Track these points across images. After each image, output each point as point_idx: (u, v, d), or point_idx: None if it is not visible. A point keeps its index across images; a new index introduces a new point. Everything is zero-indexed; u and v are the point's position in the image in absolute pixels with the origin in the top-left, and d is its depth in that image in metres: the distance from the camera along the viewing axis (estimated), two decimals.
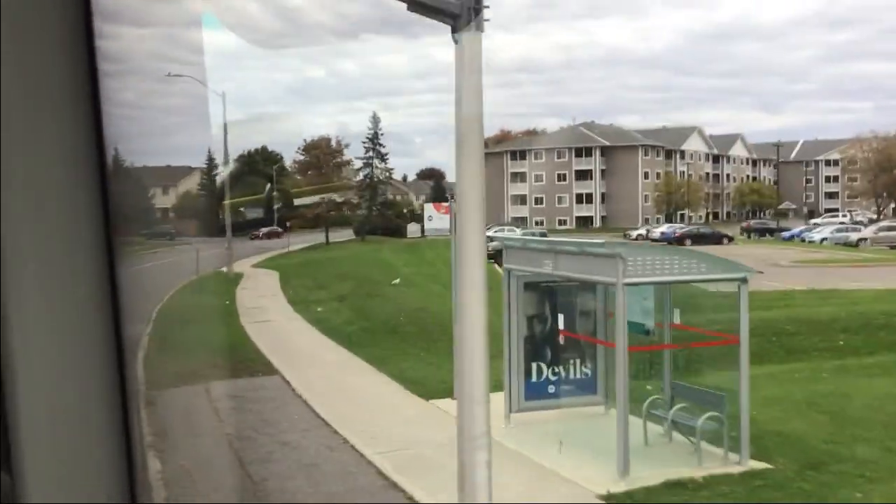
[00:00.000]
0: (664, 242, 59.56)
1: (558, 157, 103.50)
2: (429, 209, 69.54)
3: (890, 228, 53.95)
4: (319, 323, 22.69)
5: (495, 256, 22.64)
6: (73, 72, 1.29)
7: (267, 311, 25.86)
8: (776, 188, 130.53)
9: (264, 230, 69.18)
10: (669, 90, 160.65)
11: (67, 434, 1.34)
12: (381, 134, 65.75)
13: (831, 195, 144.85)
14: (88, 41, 1.30)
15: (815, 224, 72.66)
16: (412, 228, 77.04)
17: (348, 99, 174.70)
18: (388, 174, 67.70)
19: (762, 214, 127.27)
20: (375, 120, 65.82)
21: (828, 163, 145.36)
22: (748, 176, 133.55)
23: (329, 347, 20.00)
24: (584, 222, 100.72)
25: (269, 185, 68.74)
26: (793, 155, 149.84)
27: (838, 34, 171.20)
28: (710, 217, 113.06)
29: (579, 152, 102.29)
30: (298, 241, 62.00)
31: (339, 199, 67.71)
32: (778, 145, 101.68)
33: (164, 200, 60.03)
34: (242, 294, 30.63)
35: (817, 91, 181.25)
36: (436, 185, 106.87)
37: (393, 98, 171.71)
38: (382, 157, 65.63)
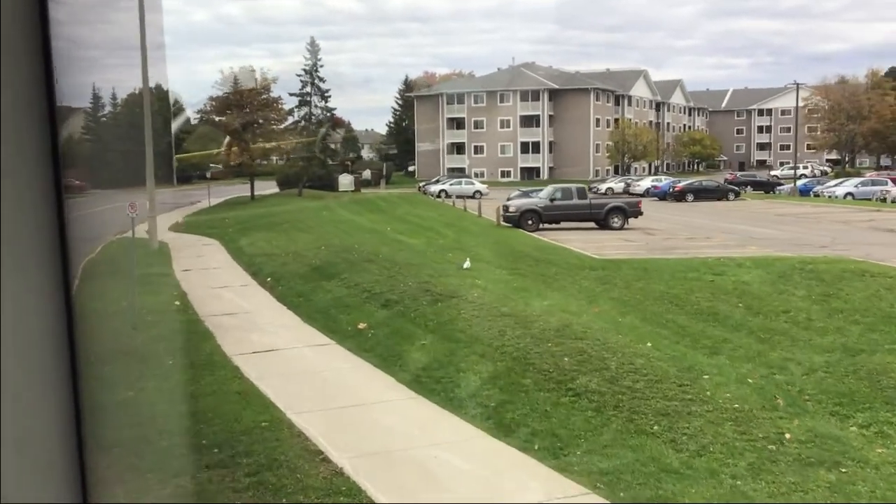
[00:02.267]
0: (655, 199, 51.39)
1: (501, 102, 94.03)
2: None
3: None
4: (392, 366, 12.41)
5: None
6: None
7: (260, 325, 15.81)
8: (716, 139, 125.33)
9: None
10: (558, 43, 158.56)
11: (16, 431, 1.26)
12: (321, 66, 54.32)
13: (762, 146, 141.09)
14: None
15: (814, 177, 66.12)
16: (345, 181, 66.85)
17: (233, 45, 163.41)
18: (330, 115, 56.53)
19: (698, 166, 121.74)
20: (314, 48, 54.18)
21: (760, 112, 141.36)
22: (685, 125, 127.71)
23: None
24: (530, 173, 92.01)
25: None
26: (723, 104, 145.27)
27: None
28: (653, 169, 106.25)
29: (525, 96, 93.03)
30: (201, 195, 51.39)
31: (268, 145, 56.64)
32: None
33: None
34: (191, 281, 20.33)
35: (699, 46, 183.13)
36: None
37: (283, 45, 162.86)
38: (323, 95, 54.48)
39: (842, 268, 17.50)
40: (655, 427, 9.05)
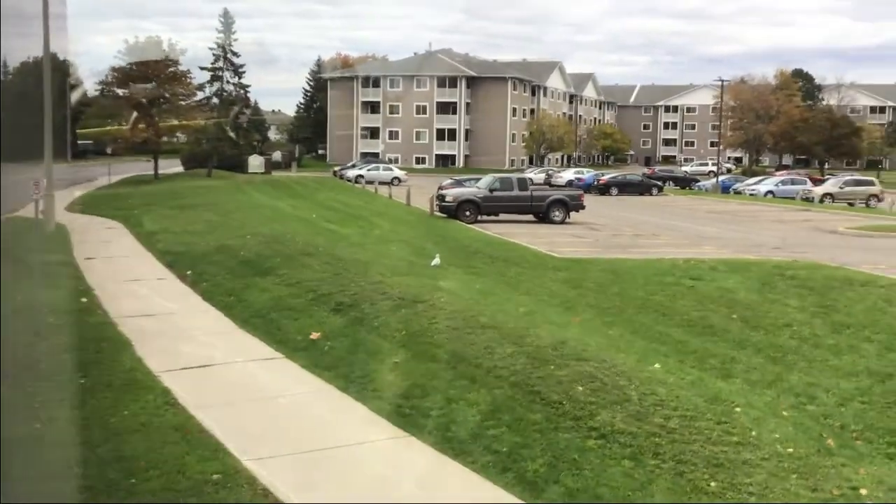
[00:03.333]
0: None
1: (418, 87, 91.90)
2: None
3: (857, 183, 47.63)
4: (362, 390, 10.09)
5: None
6: None
7: (187, 331, 13.39)
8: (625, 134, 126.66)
9: None
10: (466, 33, 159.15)
11: None
12: (236, 39, 50.79)
13: (668, 142, 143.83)
14: None
15: (731, 174, 66.59)
16: (255, 162, 63.75)
17: (133, 18, 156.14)
18: (244, 92, 53.07)
19: (607, 160, 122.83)
20: (227, 20, 50.56)
21: (667, 109, 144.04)
22: (595, 119, 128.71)
23: None
24: (445, 161, 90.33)
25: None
26: (631, 99, 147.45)
27: None
28: (566, 161, 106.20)
29: (442, 82, 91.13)
30: (99, 172, 47.70)
31: (175, 122, 53.02)
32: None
33: None
34: (97, 272, 17.61)
35: (601, 42, 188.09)
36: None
37: (185, 20, 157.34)
38: (237, 70, 50.99)
39: (824, 274, 16.36)
40: (713, 483, 7.32)
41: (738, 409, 9.22)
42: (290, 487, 6.98)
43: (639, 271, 17.08)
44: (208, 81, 52.02)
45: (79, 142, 58.79)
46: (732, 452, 7.93)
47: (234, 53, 51.86)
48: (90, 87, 56.65)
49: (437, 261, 16.99)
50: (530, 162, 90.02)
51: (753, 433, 8.46)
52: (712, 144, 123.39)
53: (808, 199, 45.51)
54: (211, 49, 52.60)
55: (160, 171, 51.34)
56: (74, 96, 53.38)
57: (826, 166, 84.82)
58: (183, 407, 8.93)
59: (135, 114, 47.24)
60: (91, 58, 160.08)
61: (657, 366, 10.52)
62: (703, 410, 8.90)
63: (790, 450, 8.18)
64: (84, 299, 14.24)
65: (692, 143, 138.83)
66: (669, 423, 8.41)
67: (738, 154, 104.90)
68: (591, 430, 8.27)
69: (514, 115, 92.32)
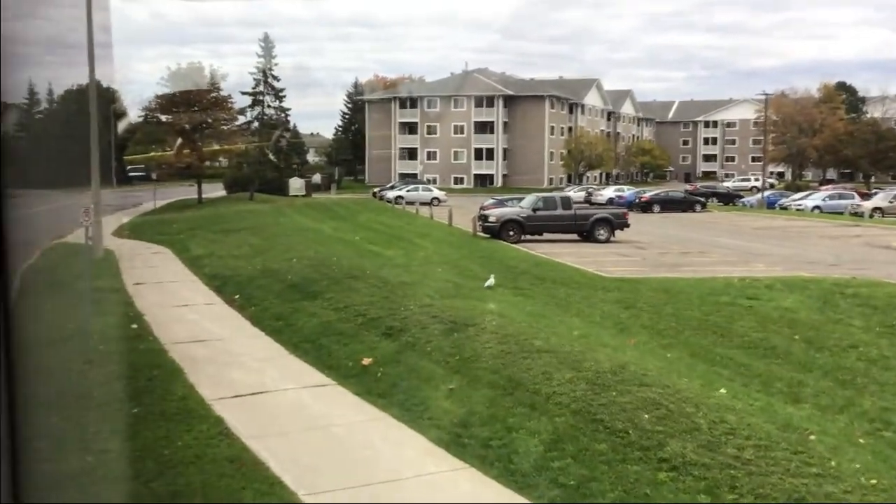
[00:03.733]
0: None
1: (455, 107, 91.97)
2: None
3: None
4: (418, 419, 9.69)
5: None
6: None
7: (237, 357, 13.29)
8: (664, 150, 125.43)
9: None
10: (502, 52, 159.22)
11: None
12: (276, 64, 51.28)
13: (708, 157, 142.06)
14: None
15: (776, 190, 65.39)
16: (295, 185, 63.98)
17: (173, 44, 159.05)
18: (284, 115, 53.48)
19: (646, 177, 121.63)
20: (267, 45, 51.10)
21: (706, 124, 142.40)
22: (633, 135, 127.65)
23: None
24: (483, 180, 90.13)
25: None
26: (670, 115, 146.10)
27: (659, 5, 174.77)
28: (604, 179, 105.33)
29: (479, 101, 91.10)
30: (143, 197, 48.13)
31: (217, 146, 53.57)
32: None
33: None
34: (146, 298, 17.62)
35: (637, 59, 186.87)
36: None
37: (223, 45, 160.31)
38: (277, 94, 51.41)
39: (887, 292, 15.77)
40: None
41: (812, 437, 8.78)
42: None
43: (693, 291, 16.63)
44: (249, 106, 52.49)
45: (128, 167, 59.61)
46: (814, 485, 7.50)
47: (275, 77, 52.37)
48: (134, 114, 57.56)
49: (491, 281, 16.73)
50: (569, 180, 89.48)
51: (832, 463, 8.03)
52: (754, 160, 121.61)
53: (856, 214, 44.43)
54: (251, 73, 53.20)
55: (203, 196, 51.81)
56: (121, 124, 54.31)
57: (872, 180, 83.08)
58: (237, 437, 8.74)
59: (179, 139, 47.79)
60: (135, 85, 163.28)
61: (723, 391, 10.11)
62: (777, 439, 8.48)
63: (873, 481, 7.74)
64: (134, 325, 14.20)
65: (733, 159, 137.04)
66: (744, 454, 8.01)
67: (780, 169, 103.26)
68: (662, 461, 7.90)
69: (551, 133, 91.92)
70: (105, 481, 7.85)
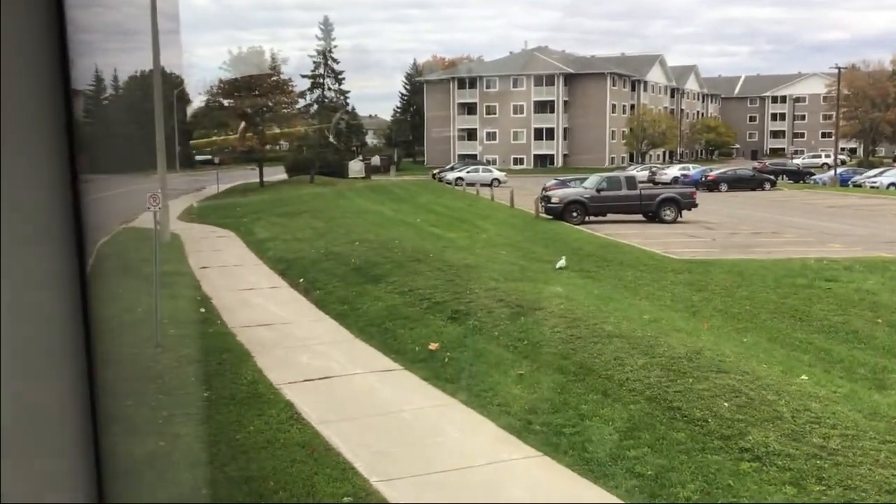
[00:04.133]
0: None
1: (514, 86, 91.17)
2: None
3: None
4: (488, 405, 9.56)
5: None
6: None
7: (304, 341, 13.33)
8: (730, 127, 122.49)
9: None
10: (560, 30, 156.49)
11: (33, 432, 1.16)
12: (335, 46, 51.31)
13: (776, 134, 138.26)
14: None
15: (848, 167, 63.29)
16: (355, 167, 64.16)
17: (232, 29, 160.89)
18: (344, 98, 53.61)
19: (711, 154, 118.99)
20: (327, 27, 51.13)
21: (774, 99, 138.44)
22: (698, 112, 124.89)
23: None
24: (544, 161, 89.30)
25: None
26: (736, 91, 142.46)
27: None
28: (668, 158, 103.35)
29: (539, 81, 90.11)
30: (206, 181, 48.73)
31: (278, 130, 54.07)
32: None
33: None
34: (212, 282, 17.82)
35: (699, 34, 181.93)
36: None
37: (283, 30, 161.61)
38: (337, 77, 51.53)
39: None
40: None
41: None
42: None
43: (767, 273, 16.10)
44: (309, 89, 52.78)
45: (194, 152, 60.59)
46: None
47: (335, 60, 52.49)
48: (197, 99, 58.41)
49: (562, 263, 16.50)
50: (631, 159, 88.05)
51: None
52: (823, 135, 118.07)
53: None
54: (311, 56, 53.40)
55: (264, 179, 52.38)
56: (186, 109, 55.16)
57: None
58: (307, 422, 8.71)
59: (242, 123, 48.33)
60: (198, 70, 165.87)
61: (804, 377, 9.72)
62: (864, 428, 8.11)
63: None
64: (202, 309, 14.34)
65: (802, 135, 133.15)
66: (830, 444, 7.67)
67: (851, 145, 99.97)
68: (743, 451, 7.60)
69: (613, 111, 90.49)
70: (179, 466, 7.90)
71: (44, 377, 1.17)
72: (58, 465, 1.18)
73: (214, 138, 59.48)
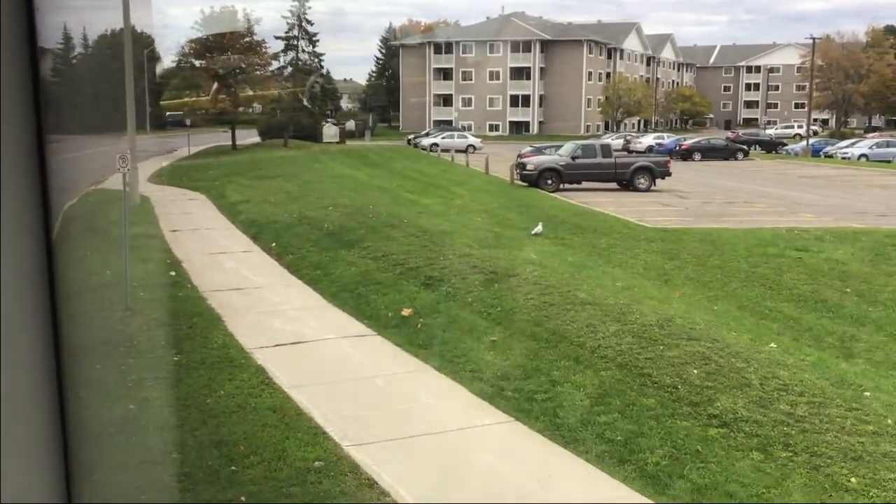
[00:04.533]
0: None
1: (491, 52, 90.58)
2: None
3: None
4: (460, 371, 9.67)
5: None
6: None
7: (276, 306, 13.25)
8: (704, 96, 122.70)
9: None
10: None
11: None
12: (310, 8, 50.56)
13: (750, 104, 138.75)
14: None
15: (821, 138, 63.80)
16: (329, 131, 63.57)
17: None
18: (318, 61, 52.97)
19: (685, 124, 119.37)
20: None
21: (748, 69, 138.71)
22: (673, 81, 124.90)
23: None
24: (519, 128, 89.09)
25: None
26: (711, 60, 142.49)
27: None
28: (643, 126, 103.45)
29: (515, 47, 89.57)
30: (177, 143, 48.18)
31: (251, 92, 53.35)
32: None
33: None
34: (183, 245, 17.61)
35: (678, 3, 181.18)
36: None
37: None
38: (311, 39, 50.85)
39: None
40: (853, 479, 6.68)
41: (867, 394, 8.50)
42: (395, 478, 6.61)
43: (739, 241, 16.22)
44: (282, 51, 52.00)
45: (167, 114, 59.65)
46: (870, 444, 7.26)
47: (309, 22, 51.75)
48: (168, 59, 57.37)
49: (539, 228, 16.51)
50: (606, 127, 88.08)
51: (889, 421, 7.76)
52: (797, 106, 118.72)
53: None
54: (285, 18, 52.57)
55: (237, 142, 51.76)
56: (158, 69, 54.18)
57: None
58: (278, 387, 8.67)
59: (215, 84, 47.61)
60: (170, 30, 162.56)
61: (773, 345, 9.83)
62: (831, 395, 8.23)
63: None
64: (173, 273, 14.19)
65: (775, 106, 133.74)
66: (797, 411, 7.77)
67: (824, 116, 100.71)
68: (712, 417, 7.69)
69: (589, 79, 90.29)
70: (148, 429, 7.84)
71: (9, 340, 1.13)
72: (24, 431, 1.15)
73: (186, 99, 58.59)
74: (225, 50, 51.99)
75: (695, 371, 8.57)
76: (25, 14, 1.18)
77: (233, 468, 6.76)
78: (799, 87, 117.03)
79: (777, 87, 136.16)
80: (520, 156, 33.95)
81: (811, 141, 56.17)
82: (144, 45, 63.03)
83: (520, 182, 28.97)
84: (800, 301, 12.47)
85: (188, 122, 51.63)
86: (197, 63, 53.59)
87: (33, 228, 1.15)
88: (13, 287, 1.12)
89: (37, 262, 1.15)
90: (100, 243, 16.33)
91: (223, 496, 6.27)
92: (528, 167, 28.65)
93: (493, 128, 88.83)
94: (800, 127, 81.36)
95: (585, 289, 11.76)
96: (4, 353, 1.11)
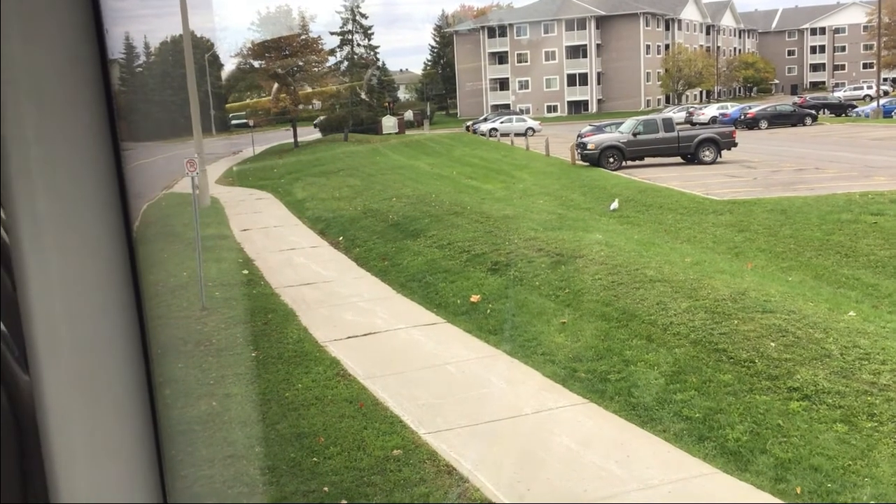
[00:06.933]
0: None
1: (546, 32, 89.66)
2: None
3: None
4: (532, 354, 9.86)
5: None
6: None
7: (346, 299, 13.50)
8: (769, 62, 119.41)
9: None
10: None
11: (92, 398, 1.16)
12: (363, 1, 50.70)
13: (816, 67, 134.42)
14: None
15: (890, 97, 61.58)
16: (389, 123, 63.92)
17: None
18: (374, 54, 53.20)
19: (750, 92, 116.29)
20: None
21: (813, 31, 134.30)
22: (735, 49, 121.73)
23: None
24: (578, 107, 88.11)
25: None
26: (773, 25, 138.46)
27: None
28: (705, 97, 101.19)
29: (570, 25, 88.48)
30: (242, 144, 48.92)
31: (310, 89, 54.00)
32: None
33: None
34: (254, 243, 18.03)
35: None
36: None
37: None
38: (366, 32, 51.09)
39: None
40: None
41: None
42: (473, 464, 6.68)
43: (811, 210, 15.81)
44: (338, 46, 52.46)
45: (231, 115, 60.85)
46: None
47: (363, 15, 52.12)
48: (229, 62, 58.42)
49: (615, 205, 16.44)
50: (667, 101, 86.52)
51: None
52: (865, 66, 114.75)
53: None
54: (339, 13, 52.98)
55: (299, 139, 52.48)
56: (222, 73, 55.21)
57: None
58: (354, 378, 8.83)
59: (275, 84, 48.34)
60: (231, 32, 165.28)
61: (852, 314, 9.58)
62: None
63: None
64: (245, 271, 14.52)
65: (842, 67, 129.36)
66: (880, 380, 7.59)
67: (894, 75, 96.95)
68: (792, 390, 7.56)
69: (647, 52, 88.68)
70: (232, 425, 8.07)
71: (98, 345, 1.19)
72: (120, 433, 1.21)
73: (248, 101, 59.63)
74: (282, 49, 52.73)
75: (772, 344, 8.43)
76: (94, 29, 1.22)
77: (314, 459, 6.93)
78: (866, 47, 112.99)
79: (843, 48, 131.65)
80: (580, 135, 33.64)
81: (882, 102, 54.16)
82: (205, 49, 64.49)
83: (581, 162, 28.72)
84: (877, 267, 12.11)
85: (251, 122, 52.56)
86: (256, 64, 54.51)
87: (116, 235, 1.21)
88: (103, 291, 1.18)
89: (122, 266, 1.21)
90: (175, 245, 16.83)
91: (306, 487, 6.44)
92: (589, 146, 28.37)
93: (552, 109, 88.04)
94: (869, 88, 78.45)
95: (654, 266, 11.63)
96: (98, 356, 1.17)
